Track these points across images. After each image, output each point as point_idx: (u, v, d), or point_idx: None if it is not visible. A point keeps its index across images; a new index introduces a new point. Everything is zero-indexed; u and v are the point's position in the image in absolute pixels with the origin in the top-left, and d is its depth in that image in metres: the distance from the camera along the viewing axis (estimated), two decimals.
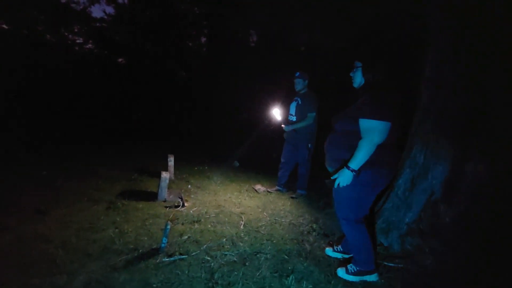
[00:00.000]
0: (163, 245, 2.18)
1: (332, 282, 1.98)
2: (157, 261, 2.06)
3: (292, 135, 3.63)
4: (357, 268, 2.00)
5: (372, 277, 2.00)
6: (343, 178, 1.80)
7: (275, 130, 3.94)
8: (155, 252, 2.17)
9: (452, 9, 2.26)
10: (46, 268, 1.89)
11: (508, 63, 2.12)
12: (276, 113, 3.69)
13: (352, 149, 1.77)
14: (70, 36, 8.83)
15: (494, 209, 2.34)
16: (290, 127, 3.57)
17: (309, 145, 3.56)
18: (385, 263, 2.20)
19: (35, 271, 1.86)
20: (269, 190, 3.87)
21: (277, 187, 3.90)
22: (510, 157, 2.29)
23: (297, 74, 3.56)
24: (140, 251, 2.18)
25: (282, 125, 3.67)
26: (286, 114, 3.71)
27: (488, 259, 2.14)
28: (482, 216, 2.32)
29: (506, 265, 2.15)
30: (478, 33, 2.14)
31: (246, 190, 3.83)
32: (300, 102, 3.55)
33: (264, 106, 3.85)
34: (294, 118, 3.58)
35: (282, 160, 3.82)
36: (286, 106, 3.75)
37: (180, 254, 2.17)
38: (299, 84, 3.56)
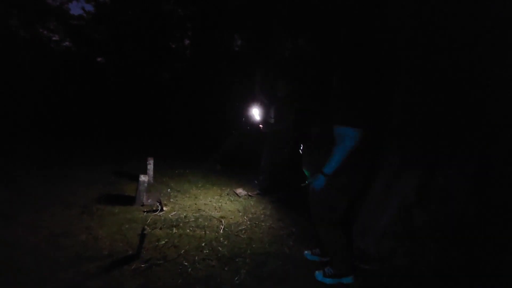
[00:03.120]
0: (139, 250, 2.13)
1: (310, 285, 2.01)
2: (133, 267, 2.00)
3: (271, 138, 3.71)
4: (334, 271, 2.04)
5: (348, 280, 2.05)
6: (318, 182, 1.85)
7: (254, 130, 3.98)
8: (131, 258, 2.11)
9: (421, 24, 2.39)
10: (12, 277, 1.79)
11: (476, 74, 2.26)
12: (256, 113, 3.73)
13: (327, 154, 1.82)
14: (45, 33, 8.47)
15: (463, 211, 2.47)
16: (268, 129, 3.63)
17: (285, 148, 3.63)
18: (361, 266, 2.26)
19: (1, 279, 1.75)
20: (250, 194, 3.87)
21: (258, 191, 3.91)
22: (478, 162, 2.44)
23: (283, 76, 3.64)
24: (115, 257, 2.11)
25: (260, 125, 3.72)
26: (266, 115, 3.78)
27: (458, 260, 2.26)
28: (452, 219, 2.44)
29: (475, 265, 2.27)
30: (447, 46, 2.27)
31: (227, 194, 3.81)
32: (280, 105, 3.61)
33: (245, 108, 3.87)
34: (273, 121, 3.65)
35: (262, 163, 3.86)
36: (266, 108, 3.80)
37: (157, 259, 2.12)
38: (283, 87, 3.62)
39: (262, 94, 3.80)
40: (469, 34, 2.22)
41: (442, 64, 2.32)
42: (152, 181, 3.86)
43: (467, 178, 2.43)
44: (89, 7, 9.60)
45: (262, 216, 3.18)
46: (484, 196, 2.45)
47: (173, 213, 3.00)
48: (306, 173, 2.06)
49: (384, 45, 3.20)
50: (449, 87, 2.31)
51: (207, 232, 2.66)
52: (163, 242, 2.39)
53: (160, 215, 2.92)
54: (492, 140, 2.41)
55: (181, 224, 2.75)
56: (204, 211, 3.15)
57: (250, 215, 3.16)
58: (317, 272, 2.11)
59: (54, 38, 8.58)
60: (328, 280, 2.03)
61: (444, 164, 2.39)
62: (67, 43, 8.79)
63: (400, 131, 2.53)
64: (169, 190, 3.73)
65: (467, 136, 2.35)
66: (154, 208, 3.02)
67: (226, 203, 3.48)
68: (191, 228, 2.70)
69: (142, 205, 3.10)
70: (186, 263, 2.11)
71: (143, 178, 3.13)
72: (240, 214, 3.18)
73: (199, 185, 4.06)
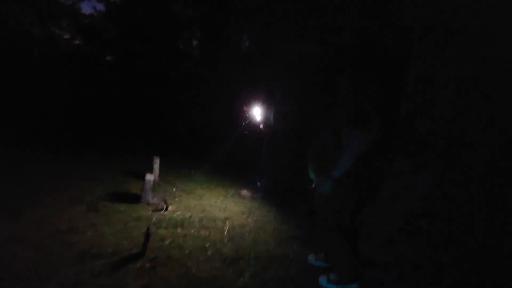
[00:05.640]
0: (144, 249, 2.13)
1: None
2: (138, 266, 2.01)
3: (270, 138, 3.71)
4: (339, 277, 2.01)
5: (353, 286, 2.02)
6: (325, 186, 1.83)
7: (254, 130, 3.97)
8: (135, 256, 2.11)
9: (433, 28, 2.36)
10: (18, 272, 1.81)
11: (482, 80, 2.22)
12: (257, 112, 3.73)
13: (334, 158, 1.80)
14: (57, 31, 8.62)
15: (472, 222, 2.43)
16: (269, 129, 3.65)
17: (286, 149, 3.64)
18: (366, 272, 2.23)
19: (6, 275, 1.77)
20: (254, 196, 3.86)
21: (262, 193, 3.90)
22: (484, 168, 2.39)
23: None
24: (120, 255, 2.12)
25: (261, 125, 3.73)
26: (266, 116, 3.78)
27: (464, 269, 2.21)
28: (460, 227, 2.40)
29: (480, 273, 2.22)
30: (457, 52, 2.24)
31: (232, 195, 3.80)
32: (278, 108, 3.63)
33: (246, 108, 3.85)
34: (272, 122, 3.68)
35: (265, 166, 3.86)
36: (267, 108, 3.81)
37: (162, 259, 2.12)
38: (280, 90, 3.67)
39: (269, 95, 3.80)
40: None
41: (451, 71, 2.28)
42: (157, 180, 3.88)
43: (476, 189, 2.38)
44: (100, 6, 9.74)
45: (267, 218, 3.17)
46: (494, 205, 2.40)
47: (178, 212, 3.01)
48: (312, 176, 2.05)
49: (393, 50, 3.18)
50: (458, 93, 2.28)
51: (212, 233, 2.66)
52: (168, 241, 2.39)
53: (165, 214, 2.93)
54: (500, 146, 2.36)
55: (185, 224, 2.75)
56: (208, 211, 3.15)
57: (255, 217, 3.15)
58: (321, 277, 2.08)
59: (65, 37, 8.73)
60: (332, 286, 2.01)
61: (453, 172, 2.35)
62: (77, 41, 8.93)
63: (409, 137, 2.50)
64: (174, 189, 3.74)
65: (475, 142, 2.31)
66: (159, 207, 3.04)
67: (230, 204, 3.47)
68: (195, 228, 2.70)
69: (148, 204, 3.11)
70: (190, 264, 2.11)
71: (149, 177, 3.14)
72: (245, 216, 3.17)
73: (204, 186, 4.06)
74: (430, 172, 2.37)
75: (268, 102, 3.73)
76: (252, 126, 3.91)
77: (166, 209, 3.02)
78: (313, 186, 1.91)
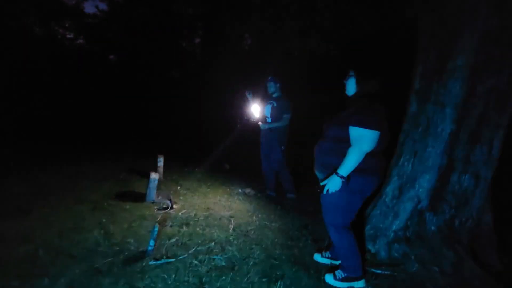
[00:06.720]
0: (150, 248, 2.14)
1: None
2: (144, 264, 2.02)
3: (268, 136, 3.71)
4: (345, 275, 2.01)
5: (359, 284, 2.02)
6: (332, 184, 1.82)
7: (253, 127, 3.96)
8: (141, 255, 2.12)
9: (441, 22, 2.33)
10: (26, 270, 1.83)
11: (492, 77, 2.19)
12: (255, 110, 3.72)
13: (341, 156, 1.79)
14: (60, 30, 8.64)
15: (478, 218, 2.41)
16: (267, 126, 3.67)
17: (282, 147, 3.66)
18: (373, 270, 2.22)
19: (14, 273, 1.79)
20: (259, 194, 3.86)
21: (267, 192, 3.90)
22: (494, 168, 2.37)
23: (269, 78, 3.69)
24: (126, 253, 2.13)
25: (259, 123, 3.72)
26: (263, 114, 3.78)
27: (472, 266, 2.20)
28: (466, 224, 2.38)
29: (489, 271, 2.21)
30: (466, 47, 2.21)
31: (236, 193, 3.81)
32: (275, 105, 3.63)
33: (244, 105, 3.83)
34: (269, 120, 3.67)
35: (263, 165, 3.86)
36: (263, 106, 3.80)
37: (168, 257, 2.13)
38: (271, 87, 3.68)
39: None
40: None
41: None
42: (162, 178, 3.89)
43: (483, 183, 2.36)
44: (103, 6, 9.71)
45: (272, 216, 3.17)
46: (500, 202, 2.38)
47: (183, 211, 3.02)
48: (318, 175, 2.04)
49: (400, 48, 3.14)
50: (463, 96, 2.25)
51: (217, 231, 2.66)
52: (173, 240, 2.40)
53: (170, 213, 2.94)
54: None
55: (191, 223, 2.76)
56: (213, 210, 3.16)
57: (260, 215, 3.15)
58: (327, 275, 2.08)
59: (68, 36, 8.76)
60: (339, 284, 2.01)
61: (459, 169, 2.33)
62: (80, 40, 8.95)
63: (415, 135, 2.48)
64: (178, 188, 3.75)
65: (482, 142, 2.29)
66: (164, 206, 3.05)
67: (235, 202, 3.47)
68: (201, 227, 2.70)
69: (153, 202, 3.12)
70: (196, 262, 2.12)
71: (153, 175, 3.15)
72: (250, 214, 3.17)
73: (208, 184, 4.07)
74: (435, 169, 2.35)
75: (266, 100, 3.72)
76: (251, 123, 3.90)
77: (171, 207, 3.03)
78: (321, 184, 1.90)
